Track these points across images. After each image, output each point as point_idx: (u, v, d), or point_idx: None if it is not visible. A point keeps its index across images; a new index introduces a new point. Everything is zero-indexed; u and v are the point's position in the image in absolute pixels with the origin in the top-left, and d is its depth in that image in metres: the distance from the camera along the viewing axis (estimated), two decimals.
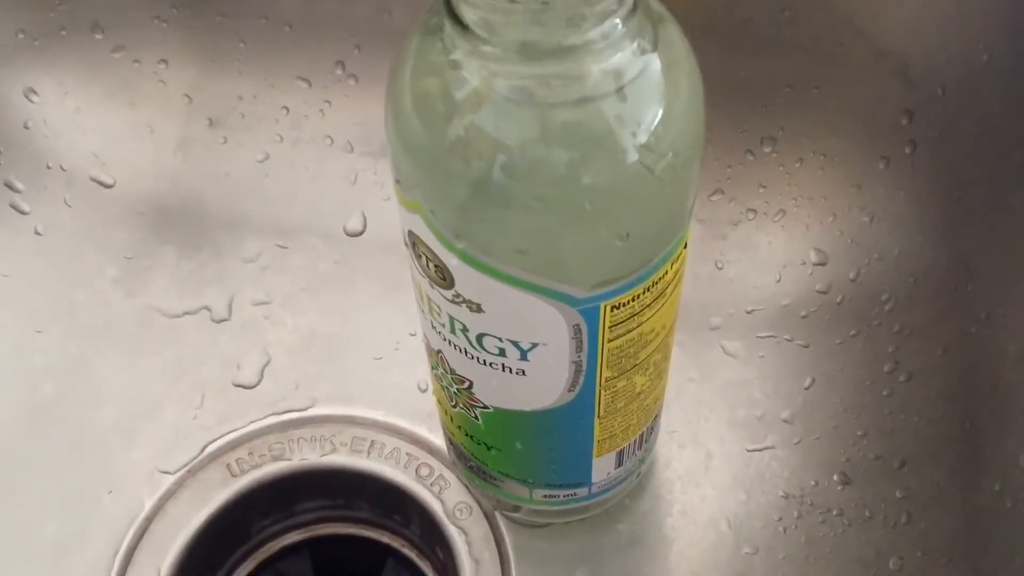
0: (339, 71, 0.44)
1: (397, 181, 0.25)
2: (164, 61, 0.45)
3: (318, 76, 0.45)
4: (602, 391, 0.29)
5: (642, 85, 0.23)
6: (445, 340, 0.28)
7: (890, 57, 0.38)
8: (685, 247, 0.27)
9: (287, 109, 0.45)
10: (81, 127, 0.45)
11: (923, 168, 0.39)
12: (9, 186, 0.43)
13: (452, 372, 0.29)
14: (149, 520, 0.37)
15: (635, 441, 0.33)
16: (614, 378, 0.28)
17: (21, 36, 0.44)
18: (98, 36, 0.44)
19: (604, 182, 0.23)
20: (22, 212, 0.43)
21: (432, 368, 0.31)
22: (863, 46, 0.39)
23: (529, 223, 0.23)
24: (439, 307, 0.27)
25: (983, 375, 0.34)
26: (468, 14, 0.22)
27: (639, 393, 0.30)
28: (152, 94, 0.45)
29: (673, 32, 0.24)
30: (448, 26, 0.22)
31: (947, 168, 0.38)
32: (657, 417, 0.34)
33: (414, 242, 0.26)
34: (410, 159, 0.24)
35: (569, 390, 0.28)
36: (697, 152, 0.25)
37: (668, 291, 0.27)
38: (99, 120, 0.45)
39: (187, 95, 0.45)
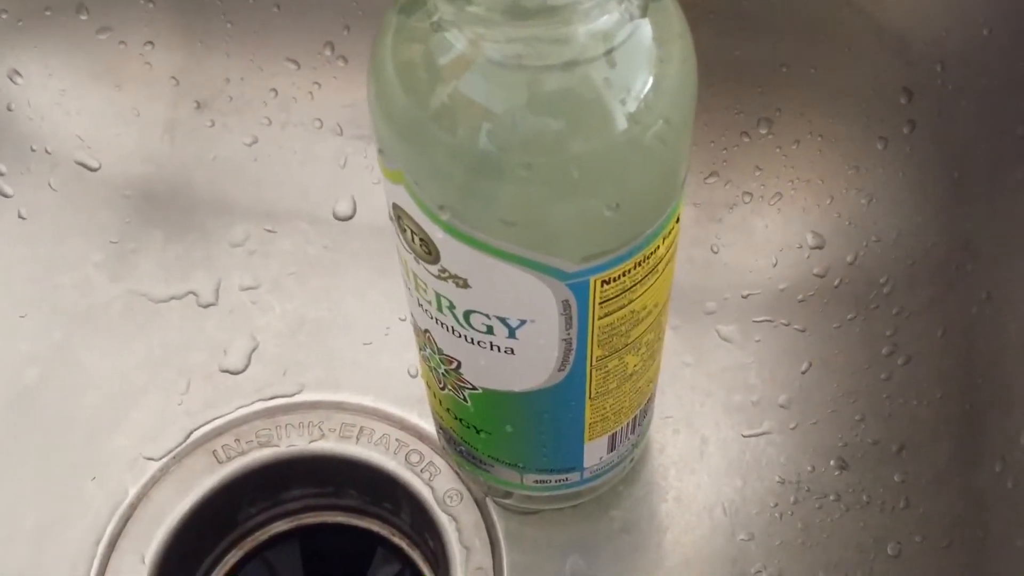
0: (328, 52, 0.44)
1: (380, 151, 0.24)
2: (150, 43, 0.44)
3: (307, 57, 0.44)
4: (593, 371, 0.28)
5: (632, 49, 0.22)
6: (432, 319, 0.27)
7: (888, 35, 0.38)
8: (677, 221, 0.26)
9: (275, 91, 0.44)
10: (66, 109, 0.44)
11: (922, 148, 0.38)
12: None
13: (440, 352, 0.28)
14: (133, 507, 0.37)
15: (628, 425, 0.32)
16: (605, 357, 0.28)
17: (4, 16, 0.43)
18: (83, 17, 0.44)
19: (592, 149, 0.22)
20: (5, 195, 0.43)
21: (420, 349, 0.31)
22: (861, 24, 0.38)
23: (515, 192, 0.22)
24: (425, 284, 0.26)
25: (983, 356, 0.34)
26: None
27: (631, 374, 0.29)
28: (138, 76, 0.44)
29: None
30: None
31: (946, 147, 0.37)
32: (650, 400, 0.33)
33: (399, 215, 0.25)
34: (392, 127, 0.23)
35: (559, 369, 0.27)
36: (689, 121, 0.24)
37: (660, 267, 0.26)
38: (84, 102, 0.44)
39: (174, 77, 0.44)
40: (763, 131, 0.42)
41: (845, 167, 0.40)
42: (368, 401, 0.39)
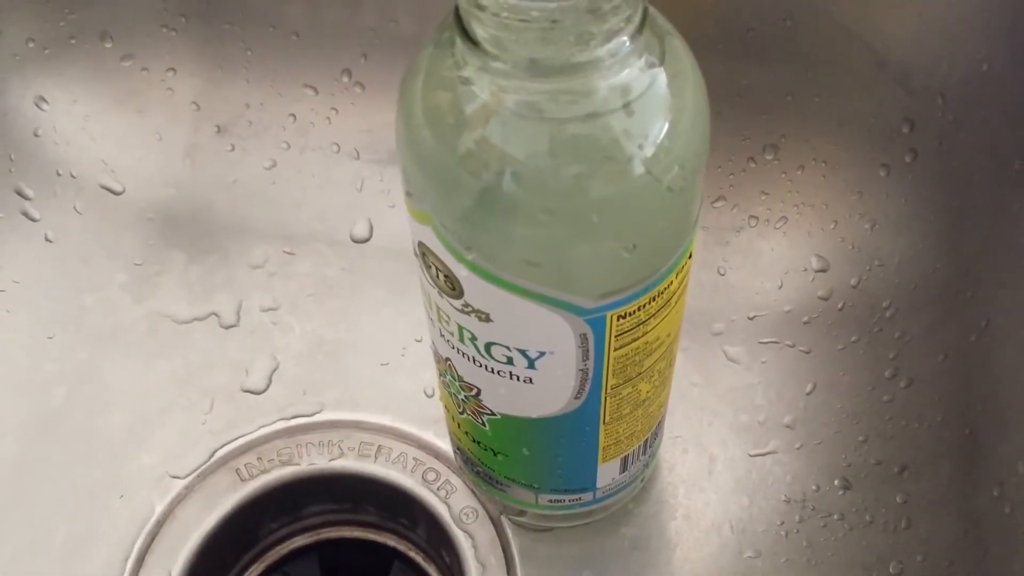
0: (345, 79, 0.45)
1: (408, 194, 0.26)
2: (172, 69, 0.45)
3: (325, 84, 0.45)
4: (608, 398, 0.29)
5: (648, 100, 0.23)
6: (454, 348, 0.28)
7: (891, 66, 0.39)
8: (690, 257, 0.27)
9: (294, 116, 0.45)
10: (90, 134, 0.45)
11: (924, 176, 0.40)
12: (20, 193, 0.44)
13: (460, 379, 0.30)
14: (159, 524, 0.38)
15: (639, 447, 0.33)
16: (619, 385, 0.29)
17: (31, 44, 0.44)
18: (107, 45, 0.45)
19: (611, 194, 0.23)
20: (32, 219, 0.44)
21: (440, 375, 0.32)
22: (864, 55, 0.39)
23: (537, 236, 0.23)
24: (448, 316, 0.27)
25: (981, 383, 0.35)
26: (479, 31, 0.22)
27: (644, 400, 0.31)
28: (160, 102, 0.45)
29: (678, 46, 0.25)
30: (459, 42, 0.23)
31: (947, 176, 0.38)
32: (661, 423, 0.34)
33: (424, 253, 0.26)
34: (421, 171, 0.24)
35: (576, 397, 0.29)
36: (702, 163, 0.25)
37: (673, 300, 0.27)
38: (108, 127, 0.45)
39: (195, 103, 0.45)
40: (769, 157, 0.43)
41: (849, 193, 0.42)
42: (386, 420, 0.40)
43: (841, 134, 0.41)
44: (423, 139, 0.24)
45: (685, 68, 0.24)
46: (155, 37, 0.45)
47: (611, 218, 0.23)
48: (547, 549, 0.37)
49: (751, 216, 0.43)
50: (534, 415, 0.30)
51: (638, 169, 0.23)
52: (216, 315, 0.42)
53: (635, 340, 0.27)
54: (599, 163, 0.23)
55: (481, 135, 0.23)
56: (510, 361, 0.27)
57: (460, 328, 0.27)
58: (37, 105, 0.45)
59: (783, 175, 0.43)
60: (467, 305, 0.26)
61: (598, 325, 0.26)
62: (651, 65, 0.23)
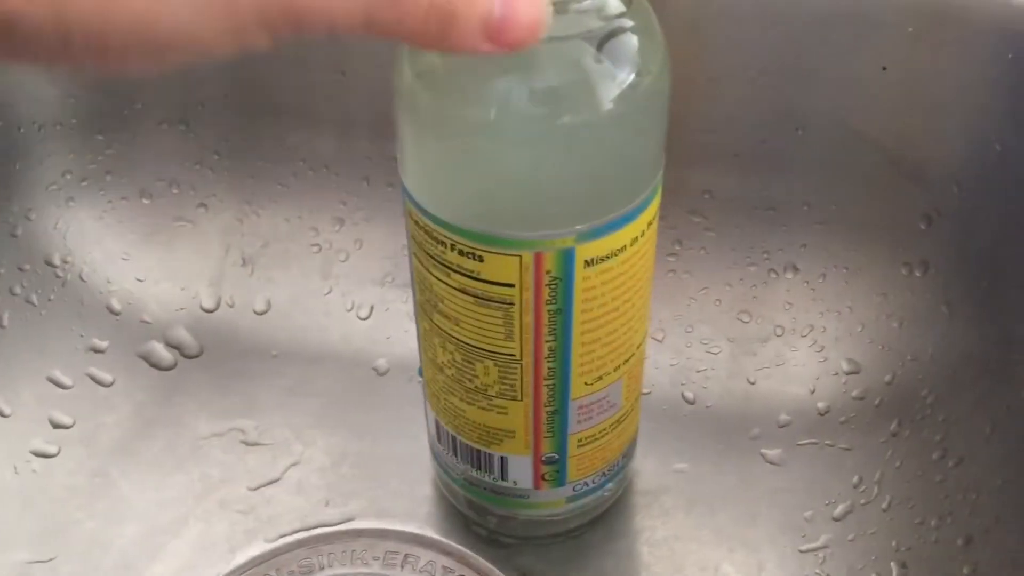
0: (365, 212, 0.46)
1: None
2: (203, 205, 0.46)
3: (350, 215, 0.46)
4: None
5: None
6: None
7: (904, 163, 0.40)
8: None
9: (318, 247, 0.46)
10: (119, 265, 0.45)
11: (946, 267, 0.40)
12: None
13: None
14: None
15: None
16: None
17: (68, 177, 0.45)
18: (141, 180, 0.46)
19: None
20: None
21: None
22: (876, 156, 0.41)
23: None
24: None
25: None
26: None
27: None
28: (189, 233, 0.46)
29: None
30: None
31: (971, 261, 0.39)
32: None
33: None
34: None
35: None
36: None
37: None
38: (138, 259, 0.46)
39: (223, 233, 0.46)
40: (789, 268, 0.43)
41: (872, 295, 0.42)
42: (413, 528, 0.38)
43: (860, 238, 0.42)
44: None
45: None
46: (188, 172, 0.46)
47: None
48: None
49: (777, 326, 0.43)
50: None
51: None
52: (239, 430, 0.41)
53: None
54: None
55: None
56: None
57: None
58: (66, 235, 0.45)
59: (805, 283, 0.43)
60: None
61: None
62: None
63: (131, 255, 0.46)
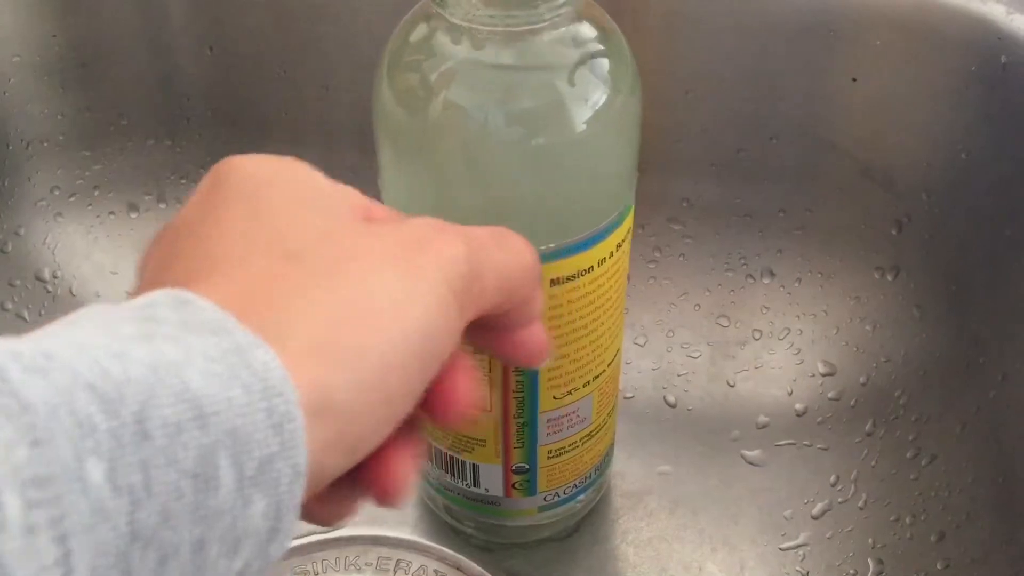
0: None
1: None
2: None
3: None
4: None
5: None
6: None
7: (875, 172, 0.41)
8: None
9: None
10: (108, 279, 0.46)
11: (917, 271, 0.41)
12: None
13: None
14: None
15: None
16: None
17: (56, 192, 0.46)
18: (128, 195, 0.47)
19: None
20: None
21: None
22: (848, 165, 0.42)
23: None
24: None
25: (1010, 431, 0.35)
26: None
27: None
28: None
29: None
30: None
31: (941, 265, 0.40)
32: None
33: None
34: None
35: None
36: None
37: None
38: (127, 273, 0.46)
39: None
40: (766, 272, 0.45)
41: (847, 298, 0.43)
42: (404, 534, 0.39)
43: (834, 243, 0.43)
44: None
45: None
46: (176, 187, 0.47)
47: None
48: None
49: (754, 330, 0.44)
50: None
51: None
52: None
53: None
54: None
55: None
56: None
57: None
58: (55, 250, 0.46)
59: (782, 288, 0.44)
60: None
61: None
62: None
63: (120, 269, 0.46)
